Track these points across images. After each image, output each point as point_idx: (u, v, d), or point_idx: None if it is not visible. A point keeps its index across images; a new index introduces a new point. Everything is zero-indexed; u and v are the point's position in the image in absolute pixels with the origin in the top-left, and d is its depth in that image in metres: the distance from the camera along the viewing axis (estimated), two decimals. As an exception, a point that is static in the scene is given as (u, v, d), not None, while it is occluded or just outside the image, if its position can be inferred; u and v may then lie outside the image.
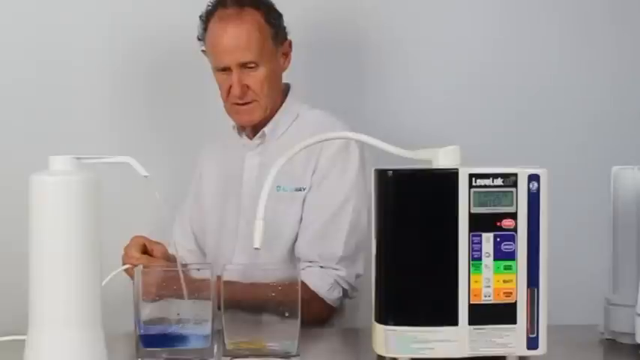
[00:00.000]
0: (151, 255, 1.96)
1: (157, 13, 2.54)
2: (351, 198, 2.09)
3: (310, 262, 2.07)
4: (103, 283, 1.55)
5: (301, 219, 2.10)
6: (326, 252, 2.06)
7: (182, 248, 2.24)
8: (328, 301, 2.06)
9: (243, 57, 2.10)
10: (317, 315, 2.02)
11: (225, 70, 2.12)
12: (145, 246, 1.98)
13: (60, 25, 2.52)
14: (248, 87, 2.11)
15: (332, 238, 2.06)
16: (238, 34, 2.10)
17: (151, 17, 2.54)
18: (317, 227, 2.08)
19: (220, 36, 2.11)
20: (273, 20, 2.15)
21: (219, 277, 1.57)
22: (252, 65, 2.10)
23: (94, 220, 1.42)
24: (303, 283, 2.04)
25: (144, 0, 2.54)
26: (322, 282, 2.05)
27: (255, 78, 2.11)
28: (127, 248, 1.98)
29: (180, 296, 1.55)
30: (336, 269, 2.06)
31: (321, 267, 2.06)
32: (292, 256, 2.10)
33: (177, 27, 2.49)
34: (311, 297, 2.01)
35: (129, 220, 2.43)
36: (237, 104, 2.13)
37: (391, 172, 1.48)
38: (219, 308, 1.56)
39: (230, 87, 2.12)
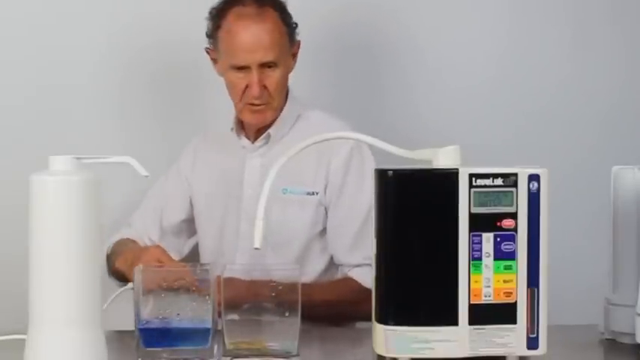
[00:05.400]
0: None
1: (158, 14, 2.53)
2: None
3: (357, 265, 2.07)
4: (105, 306, 1.55)
5: (321, 225, 2.10)
6: (369, 253, 2.05)
7: (146, 237, 2.20)
8: None
9: (265, 56, 2.07)
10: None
11: (243, 69, 2.08)
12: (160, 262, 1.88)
13: (60, 25, 2.52)
14: (265, 87, 2.08)
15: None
16: (261, 33, 2.07)
17: (151, 18, 2.54)
18: (351, 239, 2.08)
19: (241, 34, 2.07)
20: (288, 20, 2.13)
21: (219, 277, 1.57)
22: (272, 65, 2.08)
23: (94, 220, 1.42)
24: (358, 283, 2.06)
25: (144, 2, 2.55)
26: None
27: (273, 78, 2.09)
28: (146, 262, 1.85)
29: (179, 292, 1.54)
30: None
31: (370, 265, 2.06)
32: (303, 258, 2.10)
33: (177, 29, 2.49)
34: (368, 294, 2.01)
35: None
36: (253, 104, 2.10)
37: (391, 172, 1.47)
38: (219, 308, 1.56)
39: (246, 87, 2.08)
